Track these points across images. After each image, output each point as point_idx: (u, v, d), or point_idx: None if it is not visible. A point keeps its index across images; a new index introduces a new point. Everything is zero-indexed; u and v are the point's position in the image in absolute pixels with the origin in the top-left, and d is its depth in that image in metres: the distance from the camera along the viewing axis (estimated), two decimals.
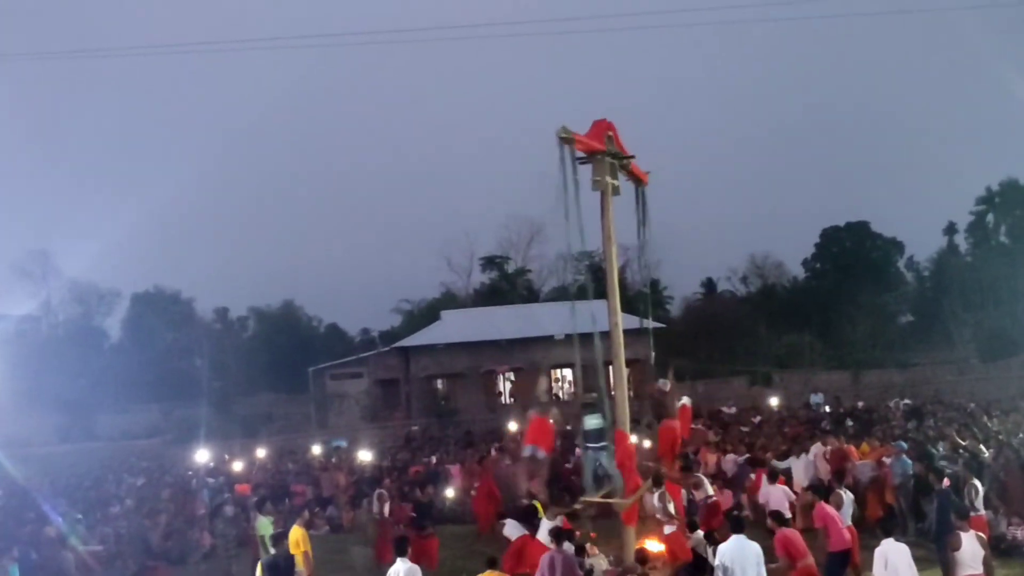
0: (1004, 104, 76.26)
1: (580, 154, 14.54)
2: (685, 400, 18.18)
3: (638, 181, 16.38)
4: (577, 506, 15.26)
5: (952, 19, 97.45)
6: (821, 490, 14.82)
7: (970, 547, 10.87)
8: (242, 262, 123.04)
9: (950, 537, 11.15)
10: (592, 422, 14.62)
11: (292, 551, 14.10)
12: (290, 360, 70.19)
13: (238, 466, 28.23)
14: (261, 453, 32.33)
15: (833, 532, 12.98)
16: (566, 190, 14.14)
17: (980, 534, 11.40)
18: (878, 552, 11.31)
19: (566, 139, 14.49)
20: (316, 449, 32.86)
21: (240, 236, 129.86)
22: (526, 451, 15.61)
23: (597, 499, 14.53)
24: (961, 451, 18.49)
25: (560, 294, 79.14)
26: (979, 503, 14.65)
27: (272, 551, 13.59)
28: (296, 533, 14.45)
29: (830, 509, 13.46)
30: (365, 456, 28.67)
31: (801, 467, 19.96)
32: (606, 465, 14.43)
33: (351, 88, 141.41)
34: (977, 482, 15.07)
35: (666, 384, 17.11)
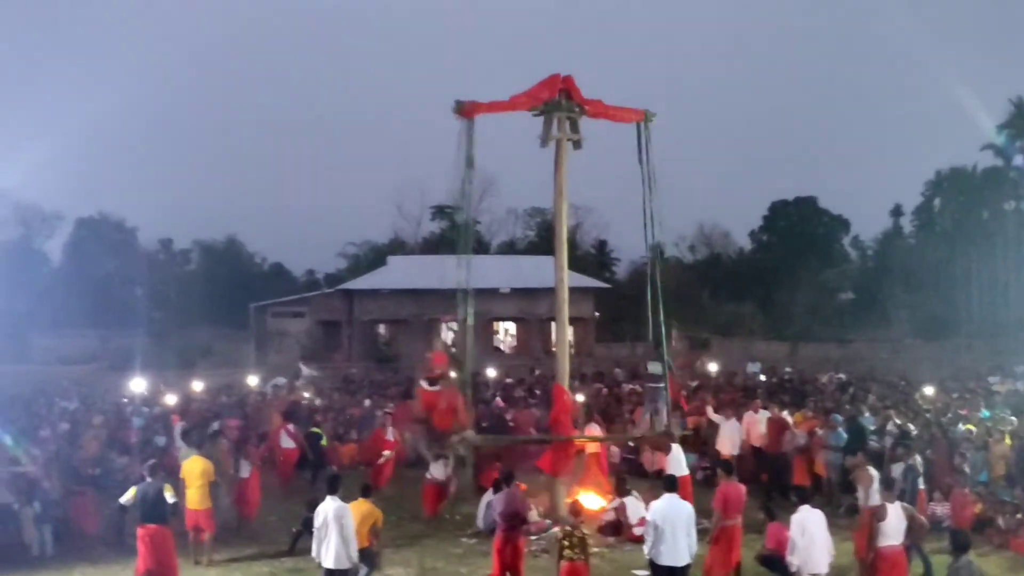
0: (955, 92, 77.08)
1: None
2: None
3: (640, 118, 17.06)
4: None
5: (915, 4, 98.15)
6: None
7: (895, 518, 11.05)
8: (190, 195, 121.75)
9: (877, 508, 11.30)
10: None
11: (199, 482, 14.15)
12: (232, 295, 69.50)
13: (172, 398, 27.81)
14: (197, 386, 31.95)
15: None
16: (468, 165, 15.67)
17: (906, 505, 11.59)
18: (795, 519, 11.45)
19: (462, 111, 15.54)
20: (252, 381, 32.65)
21: (189, 169, 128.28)
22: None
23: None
24: (892, 427, 18.83)
25: (508, 248, 79.24)
26: (921, 481, 14.91)
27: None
28: (200, 463, 14.41)
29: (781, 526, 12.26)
30: (304, 392, 28.47)
31: (727, 431, 19.93)
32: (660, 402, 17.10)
33: (308, 23, 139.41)
34: (919, 458, 15.37)
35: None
